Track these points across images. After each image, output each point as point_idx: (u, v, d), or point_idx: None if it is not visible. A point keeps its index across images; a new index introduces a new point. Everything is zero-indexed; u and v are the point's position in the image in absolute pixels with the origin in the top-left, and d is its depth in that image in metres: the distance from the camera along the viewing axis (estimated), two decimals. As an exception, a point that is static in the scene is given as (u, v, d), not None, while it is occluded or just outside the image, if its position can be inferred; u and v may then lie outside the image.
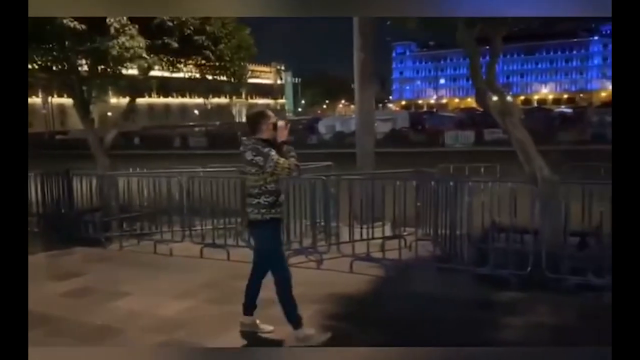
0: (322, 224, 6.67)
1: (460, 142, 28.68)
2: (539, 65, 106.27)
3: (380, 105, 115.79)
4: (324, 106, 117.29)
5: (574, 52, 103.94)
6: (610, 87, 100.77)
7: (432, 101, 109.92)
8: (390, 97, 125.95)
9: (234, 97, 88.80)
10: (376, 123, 38.91)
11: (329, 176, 6.68)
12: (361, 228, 6.50)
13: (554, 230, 5.19)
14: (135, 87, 9.27)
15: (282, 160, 3.57)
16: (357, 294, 5.05)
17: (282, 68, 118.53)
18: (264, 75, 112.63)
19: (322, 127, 39.78)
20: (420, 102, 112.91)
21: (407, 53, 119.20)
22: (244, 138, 3.81)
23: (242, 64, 8.72)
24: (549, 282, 4.88)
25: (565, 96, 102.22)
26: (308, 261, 6.18)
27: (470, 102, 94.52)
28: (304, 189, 6.60)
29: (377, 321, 4.37)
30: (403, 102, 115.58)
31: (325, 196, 6.43)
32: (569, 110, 50.56)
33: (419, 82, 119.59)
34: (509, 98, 6.06)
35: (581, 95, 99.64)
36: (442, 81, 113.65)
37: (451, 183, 5.39)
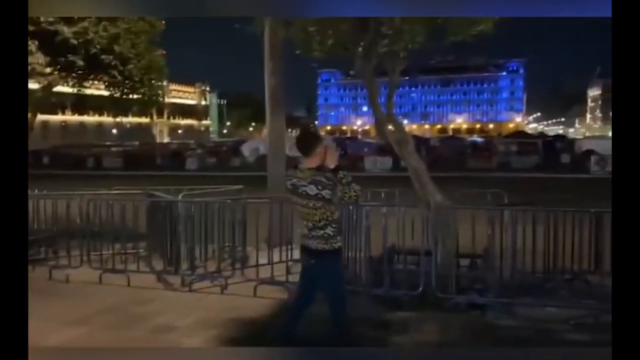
0: (230, 248, 6.67)
1: (378, 167, 29.68)
2: (454, 97, 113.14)
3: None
4: (251, 129, 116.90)
5: (485, 85, 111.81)
6: (516, 119, 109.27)
7: (356, 127, 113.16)
8: (316, 122, 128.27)
9: (154, 117, 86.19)
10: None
11: (236, 199, 6.71)
12: (269, 252, 6.55)
13: (446, 253, 5.54)
14: (36, 104, 8.81)
15: (347, 189, 3.40)
16: (257, 318, 5.08)
17: (207, 89, 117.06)
18: (187, 96, 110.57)
19: (245, 150, 39.64)
20: (344, 128, 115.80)
21: (332, 80, 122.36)
22: (293, 169, 3.53)
23: (153, 84, 8.59)
24: (438, 301, 5.19)
25: (478, 126, 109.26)
26: (213, 286, 6.13)
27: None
28: (210, 213, 6.57)
29: (273, 343, 4.41)
30: (328, 128, 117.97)
31: (232, 220, 6.45)
32: (480, 140, 54.07)
33: (343, 109, 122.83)
34: (405, 128, 6.44)
35: (491, 125, 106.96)
36: (364, 108, 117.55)
37: (350, 207, 5.61)
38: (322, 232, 3.45)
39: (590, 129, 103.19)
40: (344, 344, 3.55)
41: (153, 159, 39.08)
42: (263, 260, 6.32)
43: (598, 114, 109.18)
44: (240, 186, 8.13)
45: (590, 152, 30.73)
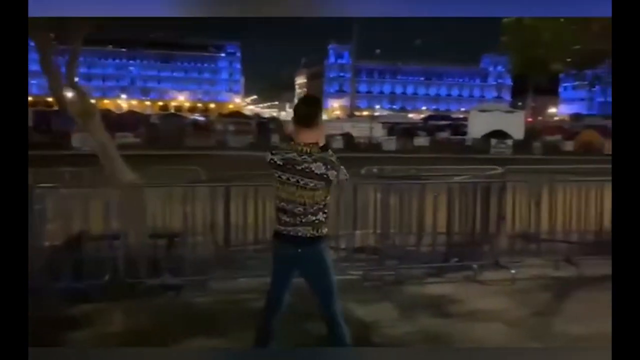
0: None
1: (88, 145, 26.90)
2: (175, 74, 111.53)
3: None
4: None
5: (205, 65, 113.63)
6: (236, 100, 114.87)
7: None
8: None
9: None
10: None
11: None
12: None
13: (138, 234, 5.20)
14: None
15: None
16: None
17: None
18: None
19: None
20: (49, 99, 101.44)
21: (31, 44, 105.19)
22: (289, 143, 3.02)
23: None
24: (128, 287, 4.83)
25: (200, 105, 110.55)
26: None
27: (113, 104, 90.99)
28: None
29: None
30: (30, 99, 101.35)
31: None
32: (201, 118, 54.95)
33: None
34: (92, 100, 5.78)
35: (212, 105, 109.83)
36: (76, 79, 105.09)
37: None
38: (313, 218, 3.01)
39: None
40: (340, 338, 3.11)
41: None
42: None
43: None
44: None
45: (295, 133, 34.47)
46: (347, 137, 33.94)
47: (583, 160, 13.25)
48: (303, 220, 3.01)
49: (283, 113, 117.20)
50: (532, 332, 4.25)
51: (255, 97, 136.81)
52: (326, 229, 3.10)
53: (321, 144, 3.03)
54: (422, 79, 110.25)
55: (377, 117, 51.22)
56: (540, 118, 67.07)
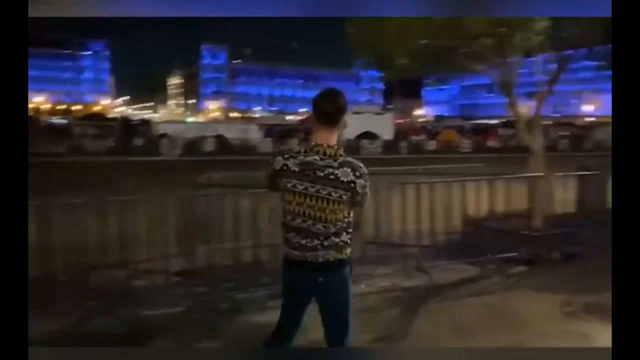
0: None
1: None
2: (30, 72, 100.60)
3: None
4: None
5: (67, 63, 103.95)
6: (104, 101, 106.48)
7: None
8: None
9: None
10: None
11: None
12: None
13: None
14: None
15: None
16: None
17: None
18: None
19: None
20: None
21: None
22: (307, 144, 2.52)
23: None
24: None
25: (64, 107, 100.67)
26: None
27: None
28: None
29: None
30: None
31: None
32: (58, 122, 50.24)
33: None
34: None
35: (79, 106, 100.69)
36: None
37: None
38: (337, 240, 2.52)
39: (173, 114, 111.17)
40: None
41: None
42: None
43: (180, 100, 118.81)
44: None
45: (163, 136, 32.42)
46: (221, 140, 32.67)
47: (443, 158, 13.64)
48: (325, 243, 2.51)
49: (156, 115, 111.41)
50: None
51: (126, 98, 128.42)
52: (350, 250, 2.62)
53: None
54: (299, 81, 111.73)
55: (254, 119, 50.50)
56: (408, 119, 71.27)
